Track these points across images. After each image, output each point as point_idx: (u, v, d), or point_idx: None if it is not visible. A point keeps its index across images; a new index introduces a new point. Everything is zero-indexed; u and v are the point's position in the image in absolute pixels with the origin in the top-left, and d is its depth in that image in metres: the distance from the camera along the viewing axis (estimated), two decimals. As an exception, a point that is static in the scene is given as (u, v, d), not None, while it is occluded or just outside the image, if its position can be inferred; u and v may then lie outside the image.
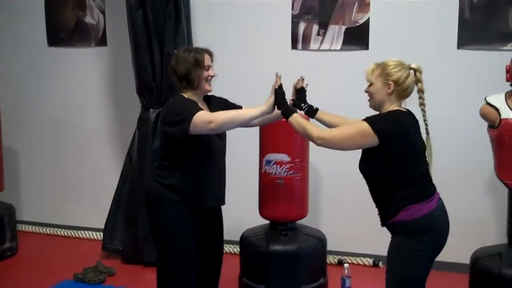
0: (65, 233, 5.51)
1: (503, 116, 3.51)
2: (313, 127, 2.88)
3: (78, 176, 5.55)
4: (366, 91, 2.86)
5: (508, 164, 3.54)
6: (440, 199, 2.82)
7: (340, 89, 4.69)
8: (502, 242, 3.89)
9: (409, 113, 2.82)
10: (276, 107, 3.04)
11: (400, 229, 2.75)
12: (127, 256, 4.80)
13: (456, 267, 4.32)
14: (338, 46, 4.68)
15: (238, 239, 4.22)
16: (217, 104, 3.27)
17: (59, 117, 5.54)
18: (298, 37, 4.76)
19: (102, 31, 5.32)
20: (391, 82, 2.74)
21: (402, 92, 2.77)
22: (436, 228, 2.75)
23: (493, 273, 3.59)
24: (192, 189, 3.10)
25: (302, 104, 3.20)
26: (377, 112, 2.87)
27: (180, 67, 3.09)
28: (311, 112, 3.21)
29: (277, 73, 3.06)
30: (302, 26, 4.73)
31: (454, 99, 4.42)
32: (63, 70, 5.48)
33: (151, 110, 4.73)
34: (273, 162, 4.01)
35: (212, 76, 3.14)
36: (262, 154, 4.07)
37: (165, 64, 4.58)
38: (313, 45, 4.74)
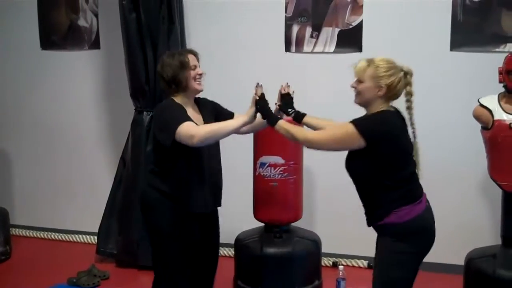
0: (59, 237, 5.49)
1: (496, 117, 3.53)
2: (298, 130, 2.89)
3: (72, 180, 5.53)
4: (353, 87, 2.82)
5: (501, 165, 3.56)
6: (427, 200, 2.81)
7: (334, 91, 4.66)
8: (496, 243, 3.89)
9: (397, 112, 2.81)
10: (260, 115, 3.04)
11: (389, 231, 2.72)
12: (122, 259, 4.78)
13: (451, 268, 4.33)
14: (332, 49, 4.68)
15: (232, 241, 4.22)
16: (208, 109, 3.28)
17: (53, 121, 5.52)
18: (292, 39, 4.75)
19: (95, 34, 5.29)
20: (383, 86, 2.72)
21: (392, 94, 2.75)
22: (425, 230, 2.74)
23: (488, 274, 3.60)
24: (181, 195, 3.11)
25: (289, 110, 3.20)
26: (362, 108, 2.85)
27: (167, 71, 3.12)
28: (298, 117, 3.21)
29: (258, 83, 3.09)
30: (295, 28, 4.73)
31: (448, 100, 4.43)
32: (56, 73, 5.45)
33: (145, 113, 4.71)
34: (267, 164, 4.01)
35: (200, 75, 3.16)
36: (256, 156, 4.08)
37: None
38: (307, 47, 4.74)
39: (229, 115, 3.33)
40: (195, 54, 3.21)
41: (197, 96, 3.29)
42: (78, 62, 5.38)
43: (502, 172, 3.56)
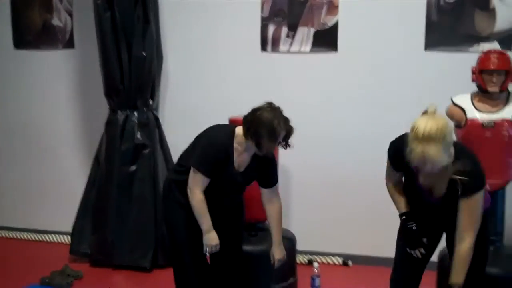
0: (33, 237, 5.45)
1: (469, 116, 3.58)
2: None
3: (46, 179, 5.49)
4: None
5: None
6: None
7: (310, 90, 4.74)
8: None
9: None
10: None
11: None
12: (96, 259, 4.75)
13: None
14: (308, 48, 4.71)
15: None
16: (261, 161, 3.27)
17: (26, 120, 5.48)
18: (268, 39, 4.77)
19: (70, 33, 5.26)
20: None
21: None
22: None
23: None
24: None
25: None
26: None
27: (255, 127, 3.06)
28: None
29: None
30: (271, 28, 4.74)
31: (422, 99, 4.43)
32: (30, 73, 5.42)
33: (119, 112, 4.70)
34: (242, 164, 4.02)
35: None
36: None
37: (134, 67, 4.61)
38: (283, 47, 4.76)
39: (266, 183, 3.37)
40: (289, 130, 3.14)
41: None
42: (52, 61, 5.36)
43: None
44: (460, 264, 2.67)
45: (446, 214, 2.75)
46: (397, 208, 2.95)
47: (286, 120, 3.10)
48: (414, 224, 2.87)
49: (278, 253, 3.40)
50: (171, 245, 3.45)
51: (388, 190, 2.99)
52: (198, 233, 3.25)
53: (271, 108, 3.10)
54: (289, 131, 3.11)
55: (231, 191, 3.36)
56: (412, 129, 2.50)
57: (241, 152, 3.19)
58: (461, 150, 2.66)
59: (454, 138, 2.63)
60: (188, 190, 3.17)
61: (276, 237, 3.39)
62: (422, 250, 2.88)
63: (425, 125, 2.47)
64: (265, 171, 3.32)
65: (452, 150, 2.54)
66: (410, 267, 3.02)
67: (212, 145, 3.18)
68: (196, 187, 3.15)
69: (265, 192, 3.37)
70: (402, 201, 2.93)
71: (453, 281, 2.66)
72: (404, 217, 2.92)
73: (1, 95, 5.53)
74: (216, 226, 3.27)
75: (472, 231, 2.65)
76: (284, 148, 3.19)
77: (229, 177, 3.22)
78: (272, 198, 3.38)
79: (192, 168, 3.15)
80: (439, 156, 2.44)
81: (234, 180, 3.25)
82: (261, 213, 4.08)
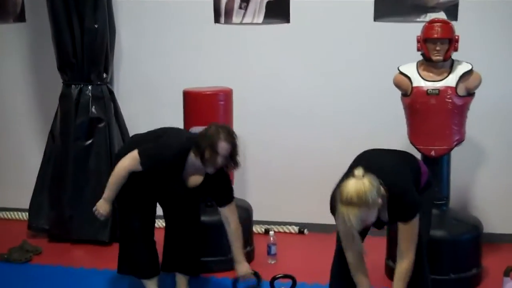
0: None
1: (414, 84, 3.67)
2: None
3: (1, 155, 5.47)
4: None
5: (420, 130, 3.72)
6: None
7: (263, 61, 4.80)
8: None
9: None
10: None
11: None
12: (54, 234, 4.77)
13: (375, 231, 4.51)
14: (260, 20, 4.76)
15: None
16: (214, 177, 3.34)
17: None
18: (221, 10, 4.81)
19: (20, 6, 5.21)
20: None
21: None
22: None
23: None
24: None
25: None
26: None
27: (201, 142, 3.18)
28: None
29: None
30: (224, -1, 4.79)
31: (372, 68, 4.58)
32: None
33: (73, 86, 4.69)
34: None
35: (220, 165, 3.23)
36: (186, 127, 4.13)
37: (86, 39, 4.59)
38: (236, 18, 4.80)
39: (221, 201, 3.45)
40: (232, 143, 3.21)
41: None
42: (4, 35, 5.31)
43: (421, 137, 3.71)
44: (400, 281, 2.85)
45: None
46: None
47: (230, 133, 3.21)
48: None
49: (241, 270, 3.46)
50: (120, 212, 3.57)
51: (349, 265, 2.92)
52: (147, 200, 3.43)
53: (219, 126, 3.24)
54: (234, 144, 3.20)
55: (176, 198, 3.48)
56: (340, 191, 2.61)
57: (195, 169, 3.28)
58: (393, 185, 2.76)
59: (381, 191, 2.68)
60: (120, 161, 3.29)
61: (237, 256, 3.46)
62: None
63: (348, 190, 2.57)
64: (218, 189, 3.41)
65: (380, 201, 2.64)
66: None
67: (168, 148, 3.27)
68: (126, 166, 3.26)
69: (221, 210, 3.44)
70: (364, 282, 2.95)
71: None
72: None
73: None
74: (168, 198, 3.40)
75: (411, 250, 2.82)
76: (233, 168, 3.32)
77: (172, 188, 3.35)
78: (228, 217, 3.44)
79: (137, 151, 3.23)
80: (360, 218, 2.57)
81: (177, 193, 3.40)
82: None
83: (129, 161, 3.26)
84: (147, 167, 3.24)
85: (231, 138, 3.21)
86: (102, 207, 3.38)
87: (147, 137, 3.44)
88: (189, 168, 3.29)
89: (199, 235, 3.71)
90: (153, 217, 3.62)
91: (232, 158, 3.25)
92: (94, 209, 3.39)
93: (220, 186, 3.41)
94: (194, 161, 3.24)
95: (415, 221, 2.81)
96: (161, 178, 3.33)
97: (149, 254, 3.59)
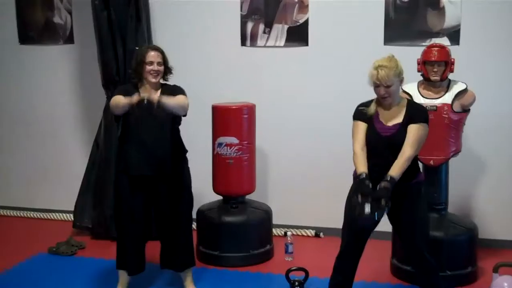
0: (37, 215, 5.89)
1: (415, 101, 4.09)
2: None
3: (49, 163, 5.91)
4: (384, 96, 3.29)
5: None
6: None
7: (284, 80, 5.22)
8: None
9: None
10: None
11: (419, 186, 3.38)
12: (96, 232, 5.23)
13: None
14: (282, 43, 5.20)
15: (195, 213, 4.70)
16: (167, 91, 3.78)
17: (31, 109, 5.88)
18: (247, 35, 5.27)
19: (70, 30, 5.69)
20: (403, 77, 3.34)
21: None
22: None
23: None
24: (120, 160, 3.85)
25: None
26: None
27: (132, 63, 3.75)
28: None
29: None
30: (250, 25, 5.25)
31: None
32: (33, 66, 5.83)
33: (116, 101, 5.17)
34: (224, 144, 4.54)
35: (155, 70, 3.69)
36: (214, 137, 4.60)
37: (128, 60, 4.94)
38: (260, 42, 5.25)
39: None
40: (157, 50, 3.75)
41: (165, 82, 3.85)
42: (54, 55, 5.76)
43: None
44: (399, 165, 3.16)
45: (395, 150, 3.23)
46: (358, 167, 3.27)
47: (155, 46, 3.97)
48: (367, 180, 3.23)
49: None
50: (115, 209, 4.03)
51: (354, 154, 3.29)
52: (136, 198, 3.82)
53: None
54: (161, 50, 3.78)
55: (145, 128, 3.73)
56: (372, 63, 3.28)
57: (144, 93, 3.67)
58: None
59: (402, 75, 3.33)
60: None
61: None
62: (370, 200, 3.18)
63: (382, 58, 3.31)
64: (172, 90, 3.79)
65: (401, 77, 3.32)
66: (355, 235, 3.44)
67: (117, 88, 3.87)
68: (112, 100, 3.67)
69: None
70: (363, 162, 3.28)
71: (391, 173, 3.16)
72: (362, 176, 3.25)
73: (7, 86, 5.95)
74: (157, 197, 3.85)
75: (412, 147, 3.20)
76: (169, 72, 3.85)
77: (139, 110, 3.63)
78: None
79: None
80: (388, 76, 3.21)
81: (144, 113, 3.65)
82: (240, 188, 4.64)
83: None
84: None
85: (156, 46, 3.80)
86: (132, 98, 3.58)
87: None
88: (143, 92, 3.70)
89: (181, 236, 3.96)
90: (144, 219, 3.93)
91: (164, 63, 3.75)
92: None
93: (172, 90, 3.79)
94: (141, 86, 3.73)
95: (424, 127, 3.24)
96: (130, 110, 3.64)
97: (132, 251, 3.93)
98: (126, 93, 3.63)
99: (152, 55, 3.70)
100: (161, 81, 3.81)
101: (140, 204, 3.84)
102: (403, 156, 3.18)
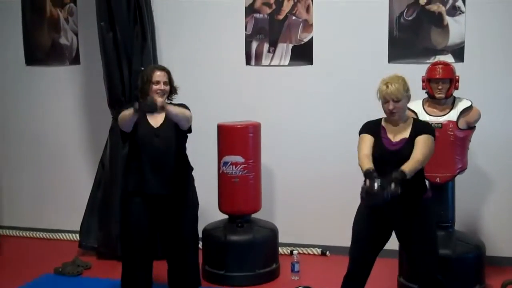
0: (43, 235, 5.90)
1: (420, 118, 4.08)
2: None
3: (55, 183, 5.92)
4: (392, 111, 3.32)
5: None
6: None
7: (289, 98, 5.25)
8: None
9: None
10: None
11: (427, 203, 3.39)
12: (102, 252, 5.22)
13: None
14: (287, 62, 5.23)
15: (200, 232, 4.69)
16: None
17: (37, 129, 5.92)
18: (251, 54, 5.30)
19: (76, 51, 5.75)
20: (410, 94, 3.40)
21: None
22: None
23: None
24: (127, 179, 3.89)
25: None
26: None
27: (139, 82, 3.79)
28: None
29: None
30: (254, 44, 5.29)
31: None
32: (40, 86, 5.89)
33: (121, 121, 5.19)
34: (229, 163, 4.54)
35: (161, 90, 3.73)
36: (219, 156, 4.61)
37: (133, 80, 4.97)
38: (265, 61, 5.28)
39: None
40: (164, 70, 3.79)
41: (170, 102, 3.85)
42: (60, 76, 5.82)
43: (427, 165, 4.00)
44: (410, 164, 3.15)
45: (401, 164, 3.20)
46: (364, 166, 3.24)
47: (161, 66, 3.95)
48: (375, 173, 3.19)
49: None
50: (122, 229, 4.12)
51: (359, 158, 3.29)
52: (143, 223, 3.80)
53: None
54: (167, 70, 3.82)
55: (152, 148, 3.74)
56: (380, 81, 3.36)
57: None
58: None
59: (408, 92, 3.39)
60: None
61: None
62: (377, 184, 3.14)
63: (388, 76, 3.38)
64: None
65: (408, 94, 3.37)
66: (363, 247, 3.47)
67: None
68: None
69: None
70: (368, 161, 3.28)
71: (403, 168, 3.13)
72: (369, 170, 3.21)
73: (15, 106, 6.00)
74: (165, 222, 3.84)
75: (422, 153, 3.22)
76: (174, 93, 3.86)
77: (145, 132, 3.72)
78: None
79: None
80: (398, 91, 3.27)
81: (150, 136, 3.72)
82: (246, 207, 4.64)
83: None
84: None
85: (162, 67, 3.83)
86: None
87: None
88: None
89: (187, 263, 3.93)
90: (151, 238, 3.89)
91: (170, 83, 3.78)
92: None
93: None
94: None
95: (431, 138, 3.27)
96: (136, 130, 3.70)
97: (140, 272, 3.90)
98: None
99: (158, 75, 3.74)
100: (167, 100, 3.82)
101: (147, 224, 3.82)
102: (413, 158, 3.20)
